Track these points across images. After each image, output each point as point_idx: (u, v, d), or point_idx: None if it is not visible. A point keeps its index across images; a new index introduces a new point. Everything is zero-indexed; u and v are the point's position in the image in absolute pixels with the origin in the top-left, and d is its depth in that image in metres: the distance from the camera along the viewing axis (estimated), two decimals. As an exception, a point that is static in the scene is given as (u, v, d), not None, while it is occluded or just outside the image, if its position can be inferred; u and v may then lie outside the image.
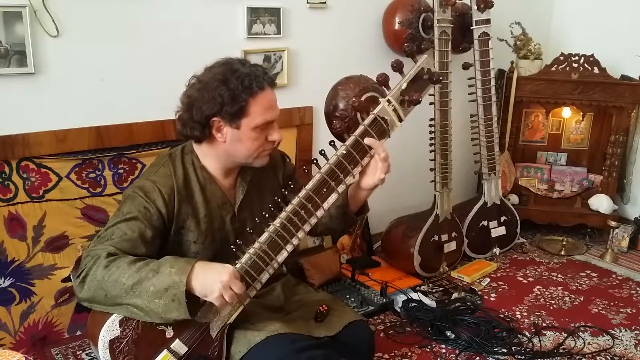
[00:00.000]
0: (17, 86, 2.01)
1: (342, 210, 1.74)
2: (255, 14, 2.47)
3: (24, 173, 2.08)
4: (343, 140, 1.64)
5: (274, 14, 2.52)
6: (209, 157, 1.68)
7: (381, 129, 1.64)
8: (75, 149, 2.15)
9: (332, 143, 1.67)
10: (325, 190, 1.59)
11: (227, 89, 1.55)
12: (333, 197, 1.60)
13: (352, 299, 2.56)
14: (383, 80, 1.65)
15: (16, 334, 2.16)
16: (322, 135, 2.75)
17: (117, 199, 2.27)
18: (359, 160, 1.62)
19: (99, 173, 2.23)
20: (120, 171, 2.28)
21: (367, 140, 1.61)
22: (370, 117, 1.63)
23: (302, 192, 1.58)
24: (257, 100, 1.57)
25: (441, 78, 1.72)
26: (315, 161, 1.62)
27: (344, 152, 1.60)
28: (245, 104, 1.56)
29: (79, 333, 2.28)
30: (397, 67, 1.65)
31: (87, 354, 2.18)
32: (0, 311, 2.11)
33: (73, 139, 2.13)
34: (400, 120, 1.66)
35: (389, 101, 1.64)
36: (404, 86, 1.65)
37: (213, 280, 1.44)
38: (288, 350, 1.53)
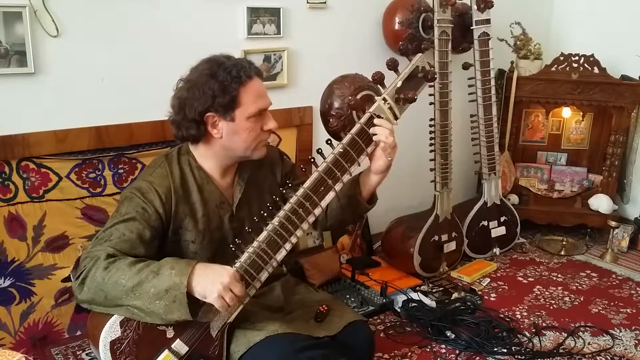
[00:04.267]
0: (17, 86, 2.01)
1: (355, 200, 1.73)
2: (255, 14, 2.47)
3: (24, 173, 2.08)
4: (339, 138, 1.65)
5: (274, 14, 2.52)
6: (206, 157, 1.69)
7: None
8: (75, 149, 2.15)
9: (329, 142, 1.67)
10: (323, 188, 1.59)
11: (216, 82, 1.56)
12: (331, 195, 1.61)
13: (352, 299, 2.56)
14: (378, 78, 1.66)
15: (16, 334, 2.16)
16: (322, 135, 2.75)
17: (117, 199, 2.27)
18: (356, 158, 1.62)
19: (99, 173, 2.23)
20: (120, 171, 2.28)
21: (376, 121, 1.62)
22: (367, 115, 1.64)
23: (300, 191, 1.58)
24: (247, 89, 1.58)
25: (436, 76, 1.73)
26: (312, 160, 1.63)
27: (341, 150, 1.61)
28: (236, 94, 1.57)
29: (79, 333, 2.28)
30: (392, 66, 1.66)
31: (87, 354, 2.18)
32: (0, 311, 2.11)
33: (73, 139, 2.13)
34: (396, 118, 1.68)
35: (384, 99, 1.65)
36: (399, 84, 1.66)
37: (213, 281, 1.44)
38: (288, 350, 1.52)
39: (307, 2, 2.64)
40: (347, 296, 2.58)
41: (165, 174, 1.65)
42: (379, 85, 1.67)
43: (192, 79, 1.61)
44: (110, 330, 1.47)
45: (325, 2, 2.70)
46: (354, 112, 1.69)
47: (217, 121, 1.60)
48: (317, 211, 1.60)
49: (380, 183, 1.73)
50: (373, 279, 2.72)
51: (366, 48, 2.90)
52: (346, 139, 1.62)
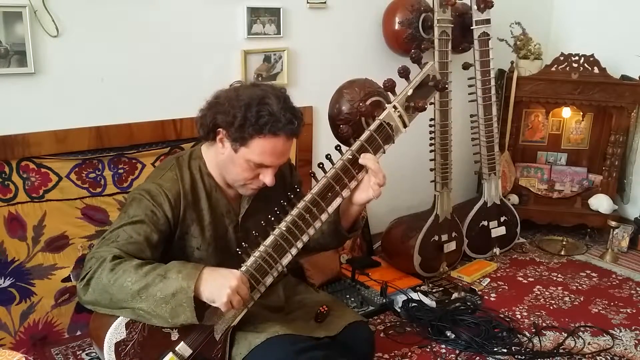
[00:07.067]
0: (17, 86, 2.00)
1: (334, 227, 1.73)
2: (255, 14, 2.47)
3: (24, 173, 2.08)
4: (347, 144, 1.64)
5: (274, 14, 2.52)
6: (215, 166, 1.68)
7: (386, 135, 1.64)
8: (75, 149, 2.15)
9: (338, 147, 1.66)
10: (330, 194, 1.59)
11: (242, 114, 1.52)
12: (338, 202, 1.61)
13: (352, 299, 2.56)
14: (390, 85, 1.64)
15: (16, 334, 2.16)
16: (322, 135, 2.75)
17: (117, 199, 2.27)
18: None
19: (99, 173, 2.23)
20: (120, 171, 2.28)
21: (362, 160, 1.60)
22: (376, 122, 1.63)
23: (308, 196, 1.58)
24: (262, 142, 1.54)
25: (447, 85, 1.72)
26: (321, 165, 1.62)
27: (350, 156, 1.60)
28: (249, 137, 1.54)
29: (79, 333, 2.28)
30: (404, 73, 1.63)
31: (87, 354, 2.18)
32: (0, 311, 2.11)
33: (73, 139, 2.13)
34: (405, 126, 1.66)
35: (395, 107, 1.63)
36: (409, 92, 1.65)
37: (221, 285, 1.44)
38: (288, 351, 1.52)
39: (307, 2, 2.64)
40: (347, 296, 2.58)
41: (176, 178, 1.64)
42: (389, 93, 1.66)
43: (239, 91, 1.58)
44: (116, 332, 1.46)
45: (325, 2, 2.70)
46: (362, 119, 1.67)
47: (224, 139, 1.59)
48: (324, 217, 1.60)
49: (360, 213, 1.72)
50: (373, 279, 2.72)
51: (366, 48, 2.90)
52: (355, 145, 1.61)
